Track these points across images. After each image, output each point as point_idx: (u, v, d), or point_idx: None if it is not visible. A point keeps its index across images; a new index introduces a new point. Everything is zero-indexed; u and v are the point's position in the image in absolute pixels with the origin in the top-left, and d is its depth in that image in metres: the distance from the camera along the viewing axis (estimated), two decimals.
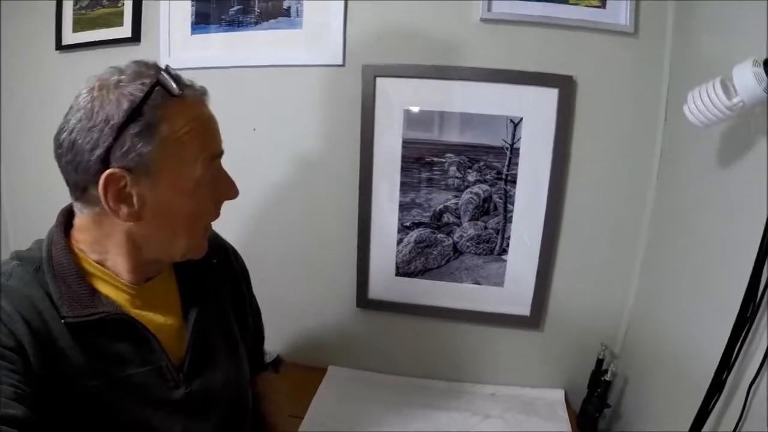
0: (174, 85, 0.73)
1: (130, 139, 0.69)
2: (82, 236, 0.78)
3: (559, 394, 1.55)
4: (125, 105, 0.69)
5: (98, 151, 0.69)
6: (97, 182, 0.70)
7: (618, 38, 1.31)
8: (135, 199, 0.73)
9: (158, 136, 0.71)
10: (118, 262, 0.78)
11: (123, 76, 0.72)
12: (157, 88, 0.72)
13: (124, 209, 0.72)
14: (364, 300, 1.59)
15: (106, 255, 0.78)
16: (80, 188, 0.73)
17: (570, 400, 1.54)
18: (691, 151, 1.22)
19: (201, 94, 0.79)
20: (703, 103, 0.90)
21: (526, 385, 1.58)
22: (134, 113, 0.69)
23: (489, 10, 1.33)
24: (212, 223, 0.87)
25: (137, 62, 0.75)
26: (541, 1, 1.32)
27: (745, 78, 0.84)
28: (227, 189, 0.84)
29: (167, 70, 0.74)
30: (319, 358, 1.65)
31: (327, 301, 1.63)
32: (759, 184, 0.92)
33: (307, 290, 1.62)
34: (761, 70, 0.82)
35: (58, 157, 0.73)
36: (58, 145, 0.72)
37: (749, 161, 0.98)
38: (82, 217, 0.77)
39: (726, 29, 1.10)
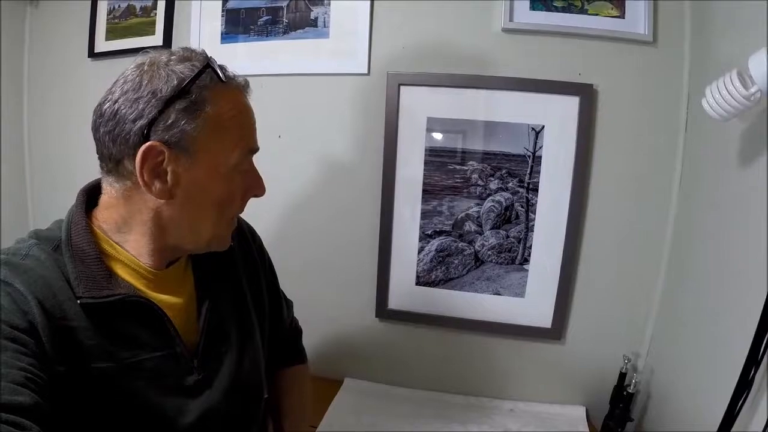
0: (221, 72, 0.76)
1: (175, 113, 0.71)
2: (106, 214, 0.78)
3: (580, 411, 1.51)
4: (174, 81, 0.71)
5: (141, 122, 0.70)
6: (133, 155, 0.71)
7: (637, 47, 1.34)
8: (170, 176, 0.73)
9: (203, 115, 0.73)
10: (141, 244, 0.78)
11: (173, 56, 0.75)
12: (207, 70, 0.74)
13: (157, 184, 0.73)
14: (383, 310, 1.57)
15: (130, 235, 0.77)
16: (114, 160, 0.74)
17: (591, 416, 1.50)
18: (714, 157, 1.22)
19: (244, 86, 0.82)
20: (721, 95, 0.92)
21: (546, 399, 1.54)
22: (183, 90, 0.71)
23: (511, 20, 1.37)
24: None
25: (185, 48, 0.78)
26: (561, 12, 1.36)
27: (761, 67, 0.86)
28: (256, 185, 0.85)
29: (213, 59, 0.77)
30: (335, 369, 1.62)
31: (345, 310, 1.61)
32: None
33: (326, 299, 1.60)
34: None
35: (96, 127, 0.74)
36: (99, 114, 0.73)
37: None
38: (111, 192, 0.77)
39: (742, 31, 1.12)
